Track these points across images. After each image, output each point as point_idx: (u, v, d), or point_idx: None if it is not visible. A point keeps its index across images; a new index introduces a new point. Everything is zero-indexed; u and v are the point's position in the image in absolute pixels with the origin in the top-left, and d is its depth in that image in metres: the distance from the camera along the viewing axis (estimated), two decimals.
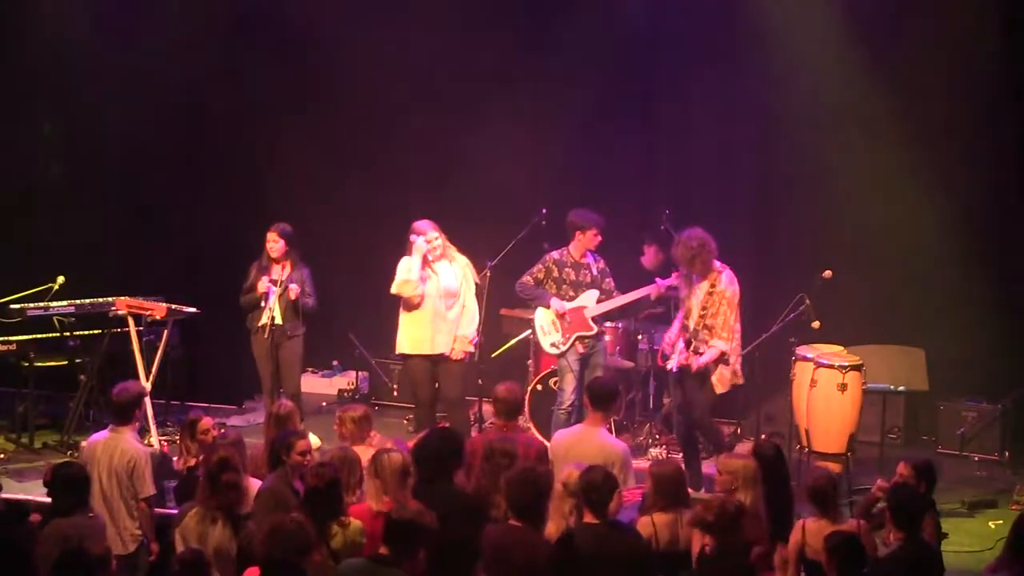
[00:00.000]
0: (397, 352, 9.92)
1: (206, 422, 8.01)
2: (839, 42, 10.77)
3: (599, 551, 6.30)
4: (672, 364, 9.08)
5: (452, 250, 9.69)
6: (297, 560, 5.81)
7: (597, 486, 6.46)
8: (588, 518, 6.47)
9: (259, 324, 9.94)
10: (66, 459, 8.75)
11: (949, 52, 10.54)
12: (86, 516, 6.76)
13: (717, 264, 9.08)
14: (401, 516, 6.07)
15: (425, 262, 9.58)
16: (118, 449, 7.42)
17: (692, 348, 9.03)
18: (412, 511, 6.14)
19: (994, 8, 10.56)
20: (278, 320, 9.93)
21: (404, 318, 9.71)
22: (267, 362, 10.01)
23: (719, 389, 9.13)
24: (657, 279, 9.93)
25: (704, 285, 9.05)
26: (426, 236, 9.54)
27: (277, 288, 9.89)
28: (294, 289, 9.89)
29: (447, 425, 9.18)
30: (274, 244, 9.99)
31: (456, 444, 7.15)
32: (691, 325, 9.08)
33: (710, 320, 9.01)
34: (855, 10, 10.70)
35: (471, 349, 9.74)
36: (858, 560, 6.15)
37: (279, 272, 9.97)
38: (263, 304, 9.91)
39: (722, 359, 9.02)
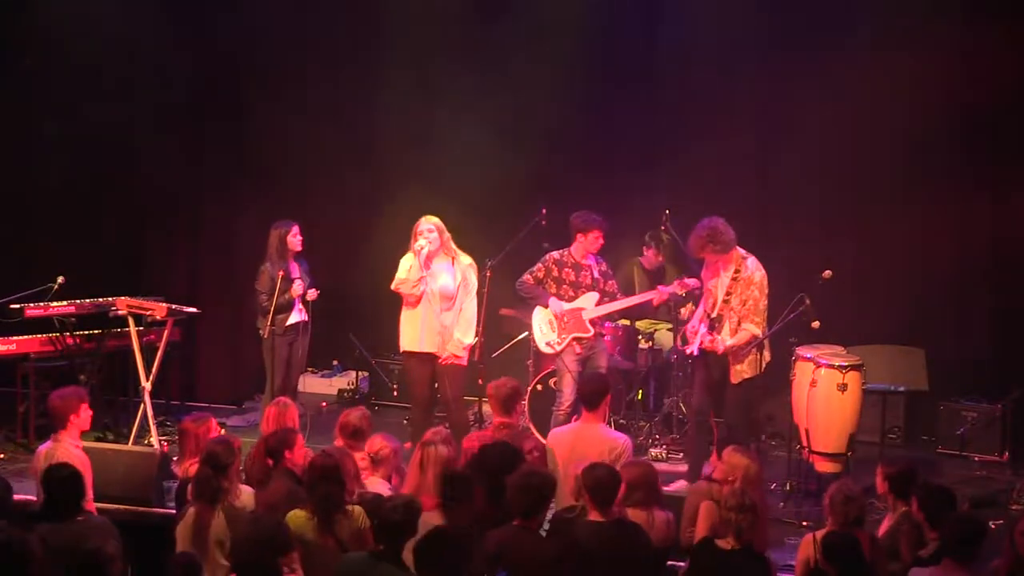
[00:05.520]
0: (401, 350, 9.82)
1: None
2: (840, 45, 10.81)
3: (605, 548, 6.32)
4: (692, 348, 9.05)
5: (455, 250, 9.53)
6: (272, 560, 5.84)
7: (603, 484, 6.47)
8: (594, 515, 6.48)
9: (288, 325, 9.88)
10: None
11: (954, 52, 10.55)
12: (82, 519, 6.57)
13: (741, 251, 9.08)
14: (383, 514, 6.09)
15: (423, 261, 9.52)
16: (55, 459, 7.23)
17: (714, 332, 8.93)
18: (388, 505, 6.16)
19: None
20: (305, 318, 9.95)
21: (403, 315, 9.64)
22: (285, 363, 9.95)
23: (748, 373, 9.03)
24: (659, 286, 9.93)
25: (729, 271, 9.04)
26: (419, 228, 9.42)
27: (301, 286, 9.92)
28: (313, 292, 9.93)
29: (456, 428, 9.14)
30: (299, 238, 9.96)
31: (518, 457, 7.10)
32: (714, 311, 9.03)
33: (737, 305, 8.96)
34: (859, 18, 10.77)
35: (462, 355, 9.49)
36: (854, 561, 6.12)
37: (297, 269, 9.94)
38: (295, 305, 9.87)
39: (754, 343, 8.94)
